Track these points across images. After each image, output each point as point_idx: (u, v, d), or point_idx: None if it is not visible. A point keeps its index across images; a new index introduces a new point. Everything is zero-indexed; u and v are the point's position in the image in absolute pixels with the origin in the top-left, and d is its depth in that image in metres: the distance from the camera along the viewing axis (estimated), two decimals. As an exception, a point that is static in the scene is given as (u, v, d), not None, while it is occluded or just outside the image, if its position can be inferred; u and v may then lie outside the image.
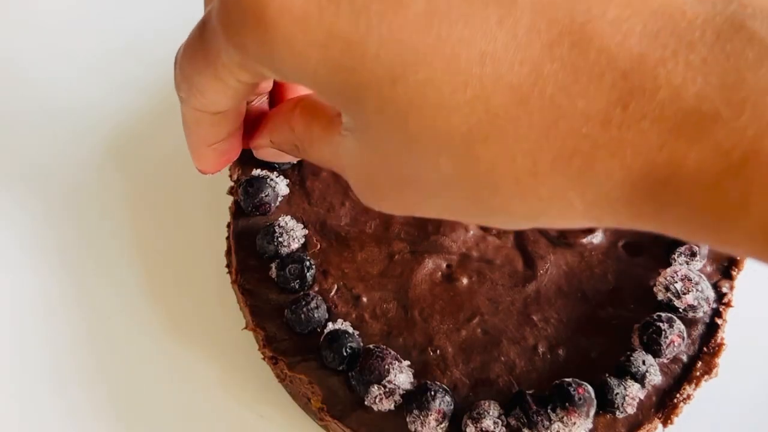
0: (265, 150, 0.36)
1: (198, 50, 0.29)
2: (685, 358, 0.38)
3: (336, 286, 0.40)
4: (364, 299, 0.40)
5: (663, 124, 0.21)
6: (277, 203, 0.42)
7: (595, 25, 0.21)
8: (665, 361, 0.38)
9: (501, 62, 0.22)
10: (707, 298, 0.38)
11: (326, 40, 0.23)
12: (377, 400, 0.36)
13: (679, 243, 0.40)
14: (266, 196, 0.41)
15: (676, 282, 0.38)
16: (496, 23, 0.22)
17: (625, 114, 0.21)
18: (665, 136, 0.21)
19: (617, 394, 0.36)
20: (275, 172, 0.42)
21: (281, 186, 0.42)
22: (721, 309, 0.39)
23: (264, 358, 0.40)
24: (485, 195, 0.24)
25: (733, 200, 0.20)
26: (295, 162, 0.43)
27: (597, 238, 0.41)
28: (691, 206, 0.21)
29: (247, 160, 0.43)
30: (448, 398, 0.36)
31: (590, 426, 0.36)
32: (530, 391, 0.36)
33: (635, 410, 0.36)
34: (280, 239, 0.40)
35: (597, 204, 0.23)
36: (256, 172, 0.42)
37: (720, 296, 0.39)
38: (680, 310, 0.38)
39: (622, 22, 0.21)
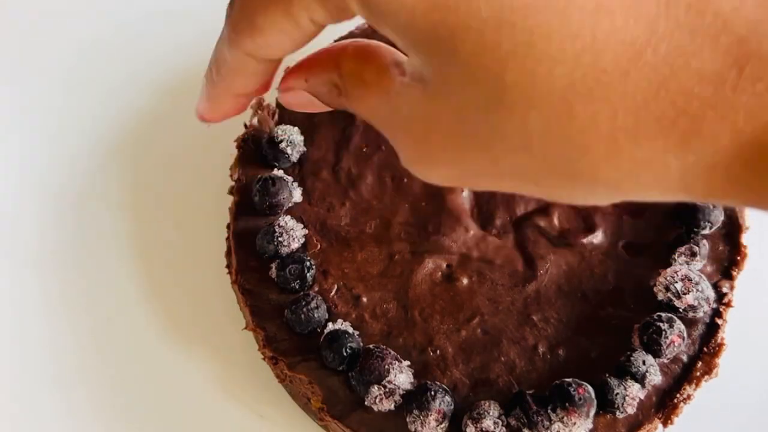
0: (295, 93, 0.31)
1: None
2: (685, 358, 0.38)
3: (336, 286, 0.40)
4: (364, 299, 0.40)
5: None
6: (288, 207, 0.42)
7: None
8: (665, 361, 0.38)
9: (616, 16, 0.21)
10: (707, 298, 0.38)
11: None
12: (377, 400, 0.36)
13: (679, 243, 0.40)
14: (284, 198, 0.41)
15: (677, 282, 0.38)
16: None
17: (741, 77, 0.21)
18: None
19: (617, 394, 0.36)
20: (291, 177, 0.42)
21: (296, 192, 0.42)
22: (721, 309, 0.39)
23: (264, 358, 0.40)
24: (572, 157, 0.23)
25: None
26: (297, 158, 0.43)
27: (597, 238, 0.41)
28: None
29: (248, 160, 0.43)
30: (448, 398, 0.36)
31: (590, 426, 0.36)
32: (530, 391, 0.36)
33: (635, 410, 0.36)
34: (280, 239, 0.40)
35: (694, 170, 0.22)
36: (266, 173, 0.42)
37: (720, 296, 0.39)
38: (680, 310, 0.38)
39: None
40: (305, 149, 0.43)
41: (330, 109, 0.31)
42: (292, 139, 0.42)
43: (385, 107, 0.27)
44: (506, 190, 0.26)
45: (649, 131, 0.22)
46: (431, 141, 0.25)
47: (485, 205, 0.42)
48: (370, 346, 0.37)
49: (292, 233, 0.40)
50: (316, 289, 0.40)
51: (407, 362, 0.37)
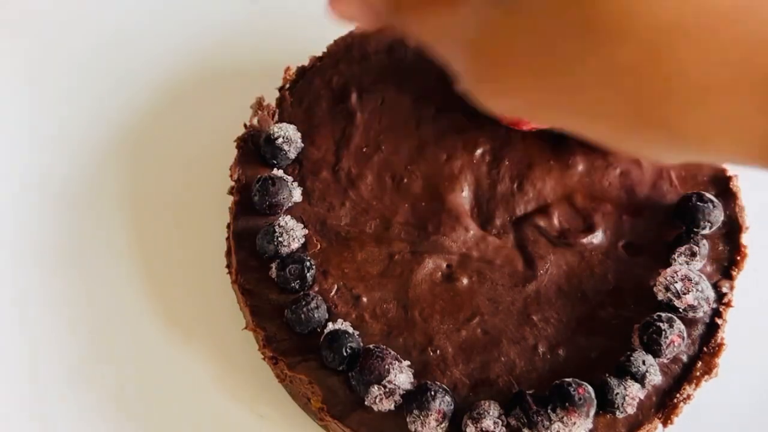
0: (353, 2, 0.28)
1: None
2: (685, 358, 0.38)
3: (336, 286, 0.40)
4: (364, 299, 0.40)
5: None
6: (288, 207, 0.42)
7: None
8: (665, 361, 0.38)
9: None
10: (707, 298, 0.38)
11: None
12: (377, 400, 0.36)
13: (679, 243, 0.40)
14: (284, 198, 0.41)
15: (676, 282, 0.38)
16: None
17: None
18: None
19: (617, 394, 0.36)
20: (291, 177, 0.42)
21: (296, 192, 0.42)
22: (721, 309, 0.39)
23: (264, 358, 0.40)
24: (656, 101, 0.21)
25: None
26: (295, 155, 0.43)
27: (597, 238, 0.41)
28: None
29: (248, 160, 0.43)
30: (448, 398, 0.36)
31: (590, 426, 0.36)
32: (530, 391, 0.36)
33: (635, 410, 0.36)
34: (280, 239, 0.40)
35: None
36: (266, 172, 0.42)
37: (720, 296, 0.39)
38: (680, 310, 0.38)
39: None
40: (303, 146, 0.43)
41: (374, 27, 0.29)
42: (288, 136, 0.42)
43: (449, 22, 0.24)
44: (574, 128, 0.24)
45: (744, 87, 0.20)
46: (503, 62, 0.23)
47: (485, 205, 0.42)
48: (370, 346, 0.37)
49: (292, 233, 0.40)
50: (316, 289, 0.40)
51: (407, 362, 0.37)
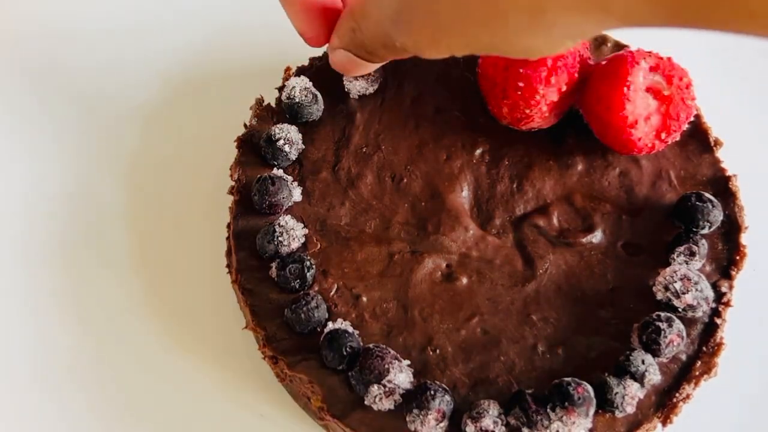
0: (339, 54, 0.37)
1: None
2: (684, 357, 0.38)
3: (336, 286, 0.40)
4: (364, 299, 0.40)
5: None
6: (287, 206, 0.42)
7: None
8: (664, 360, 0.38)
9: None
10: (706, 297, 0.38)
11: None
12: (377, 399, 0.36)
13: (678, 243, 0.40)
14: (284, 198, 0.41)
15: (676, 281, 0.38)
16: None
17: None
18: None
19: (616, 393, 0.36)
20: (290, 177, 0.42)
21: (296, 192, 0.42)
22: (720, 309, 0.39)
23: (264, 358, 0.40)
24: None
25: None
26: (296, 156, 0.43)
27: (596, 238, 0.41)
28: None
29: (248, 160, 0.43)
30: (447, 398, 0.36)
31: (590, 425, 0.36)
32: (530, 391, 0.37)
33: (634, 409, 0.36)
34: (280, 239, 0.40)
35: None
36: (266, 172, 0.42)
37: (719, 296, 0.39)
38: (679, 309, 0.38)
39: None
40: (303, 147, 0.43)
41: (377, 65, 0.38)
42: (290, 137, 0.42)
43: (379, 7, 0.32)
44: (467, 40, 0.29)
45: None
46: (410, 7, 0.30)
47: (485, 204, 0.42)
48: (370, 345, 0.37)
49: (292, 233, 0.40)
50: (316, 288, 0.40)
51: (407, 362, 0.38)
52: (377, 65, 0.38)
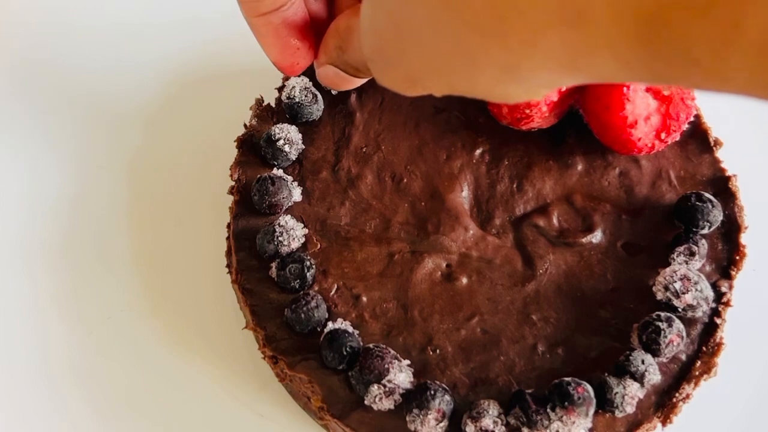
0: (326, 69, 0.37)
1: None
2: (684, 357, 0.38)
3: (336, 286, 0.40)
4: (364, 299, 0.40)
5: None
6: (287, 206, 0.42)
7: None
8: (664, 360, 0.38)
9: None
10: (706, 297, 0.38)
11: None
12: (377, 399, 0.36)
13: (678, 243, 0.40)
14: (284, 198, 0.41)
15: (675, 281, 0.38)
16: None
17: None
18: None
19: (616, 393, 0.36)
20: (290, 177, 0.42)
21: (296, 192, 0.42)
22: (720, 308, 0.39)
23: (264, 358, 0.40)
24: (469, 36, 0.25)
25: (725, 21, 0.20)
26: (296, 156, 0.43)
27: (596, 238, 0.41)
28: (682, 38, 0.21)
29: (248, 160, 0.43)
30: (447, 397, 0.36)
31: (589, 425, 0.36)
32: (530, 391, 0.37)
33: (634, 409, 0.36)
34: (280, 239, 0.40)
35: (579, 47, 0.23)
36: (266, 172, 0.42)
37: (719, 296, 0.39)
38: (679, 309, 0.38)
39: None
40: (303, 147, 0.43)
41: (363, 80, 0.37)
42: (290, 137, 0.42)
43: (357, 37, 0.32)
44: (439, 78, 0.29)
45: (536, 8, 0.23)
46: (382, 43, 0.30)
47: (485, 204, 0.42)
48: (370, 345, 0.37)
49: (292, 233, 0.40)
50: (316, 288, 0.40)
51: (407, 361, 0.38)
52: (365, 80, 0.38)
